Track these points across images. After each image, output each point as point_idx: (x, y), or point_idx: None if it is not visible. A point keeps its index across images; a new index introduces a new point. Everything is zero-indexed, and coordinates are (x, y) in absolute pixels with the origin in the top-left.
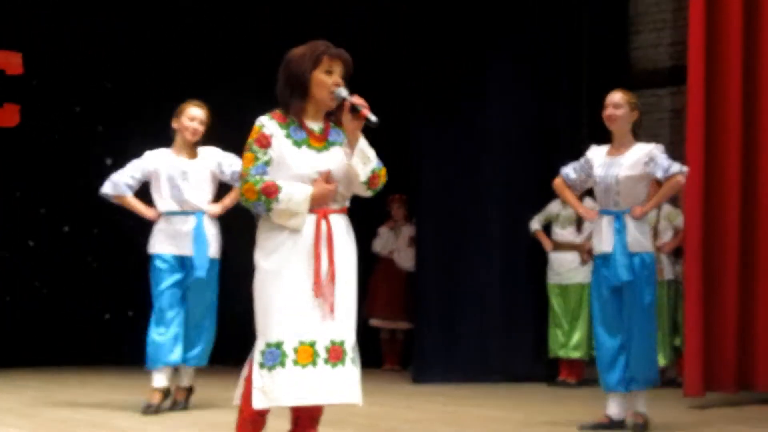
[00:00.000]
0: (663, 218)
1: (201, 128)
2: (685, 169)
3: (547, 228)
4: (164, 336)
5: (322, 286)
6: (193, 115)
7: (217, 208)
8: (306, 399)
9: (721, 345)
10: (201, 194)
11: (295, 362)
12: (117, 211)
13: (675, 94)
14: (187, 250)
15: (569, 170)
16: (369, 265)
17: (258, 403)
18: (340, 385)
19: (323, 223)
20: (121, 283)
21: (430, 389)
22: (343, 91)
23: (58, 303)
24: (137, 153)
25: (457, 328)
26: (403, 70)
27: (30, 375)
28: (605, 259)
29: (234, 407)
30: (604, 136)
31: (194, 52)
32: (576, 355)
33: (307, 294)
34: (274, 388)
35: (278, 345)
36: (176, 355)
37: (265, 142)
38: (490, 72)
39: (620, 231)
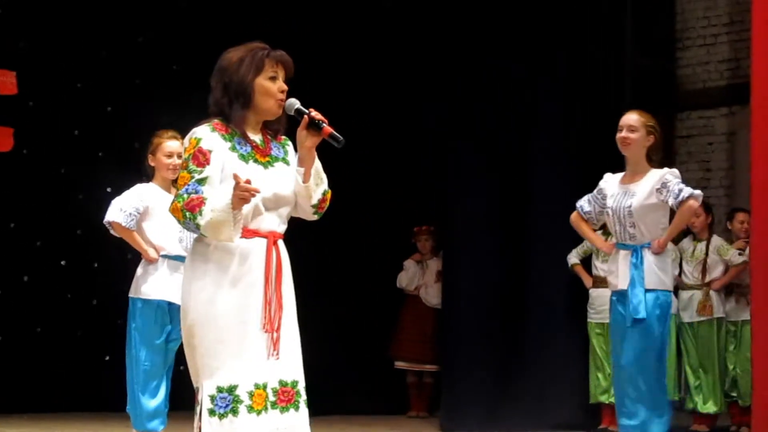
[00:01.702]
0: (713, 252)
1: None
2: (696, 192)
3: (587, 262)
4: (155, 400)
5: (271, 320)
6: (170, 150)
7: None
8: None
9: None
10: None
11: (250, 408)
12: (119, 243)
13: (727, 116)
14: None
15: (584, 202)
16: (394, 302)
17: None
18: (291, 431)
19: (273, 251)
20: (123, 322)
21: None
22: (296, 103)
23: (54, 343)
24: (140, 181)
25: (490, 372)
26: (438, 95)
27: (25, 422)
28: (621, 296)
29: None
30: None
31: (201, 75)
32: (610, 400)
33: (257, 329)
34: None
35: (231, 389)
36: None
37: (202, 159)
38: (529, 96)
39: (637, 266)
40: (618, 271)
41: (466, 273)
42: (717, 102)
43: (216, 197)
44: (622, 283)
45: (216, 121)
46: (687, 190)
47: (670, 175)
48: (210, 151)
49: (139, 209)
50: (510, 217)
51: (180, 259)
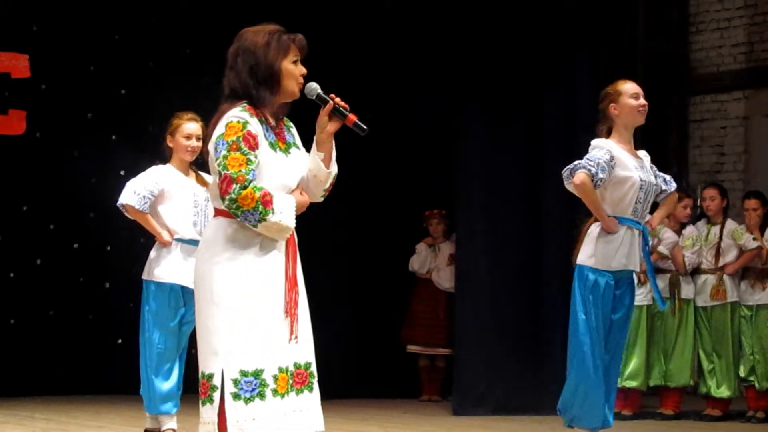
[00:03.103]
0: (726, 236)
1: (199, 145)
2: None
3: None
4: (168, 383)
5: (292, 305)
6: (189, 132)
7: None
8: (291, 430)
9: None
10: None
11: (275, 392)
12: (131, 226)
13: (741, 100)
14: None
15: (595, 167)
16: (406, 285)
17: None
18: (307, 413)
19: (293, 236)
20: (136, 305)
21: (471, 422)
22: (318, 88)
23: (67, 326)
24: (153, 164)
25: (502, 356)
26: (452, 76)
27: (38, 405)
28: (625, 278)
29: None
30: (660, 148)
31: (213, 59)
32: (632, 384)
33: (279, 313)
34: (253, 424)
35: (257, 374)
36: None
37: (253, 143)
38: (545, 79)
39: (644, 248)
40: (630, 252)
41: (479, 256)
42: (731, 86)
43: (281, 199)
44: (634, 264)
45: (246, 105)
46: (671, 179)
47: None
48: (257, 135)
49: (153, 192)
50: (523, 201)
51: (194, 243)
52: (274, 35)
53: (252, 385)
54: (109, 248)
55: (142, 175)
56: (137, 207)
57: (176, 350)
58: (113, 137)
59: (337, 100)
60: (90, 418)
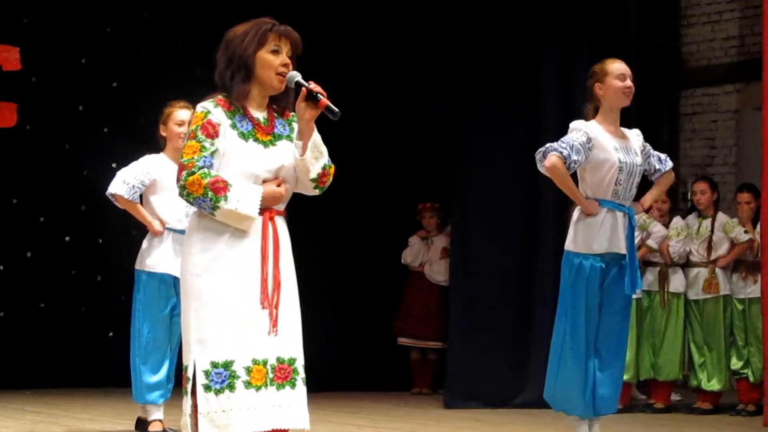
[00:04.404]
0: (718, 229)
1: None
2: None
3: None
4: (158, 374)
5: (269, 297)
6: (182, 119)
7: None
8: (259, 425)
9: None
10: None
11: (248, 384)
12: (124, 219)
13: (732, 93)
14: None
15: (568, 149)
16: (398, 278)
17: (204, 430)
18: (287, 409)
19: (270, 226)
20: (127, 299)
21: (463, 415)
22: (297, 76)
23: (58, 319)
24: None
25: (496, 349)
26: (448, 66)
27: (28, 398)
28: (612, 261)
29: None
30: (651, 141)
31: (208, 49)
32: (624, 377)
33: (255, 306)
34: (223, 416)
35: (226, 365)
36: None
37: (212, 131)
38: (541, 68)
39: (630, 231)
40: (613, 234)
41: (474, 248)
42: (722, 79)
43: (242, 189)
44: (617, 247)
45: (220, 97)
46: (667, 157)
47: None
48: (219, 125)
49: (144, 182)
50: (519, 193)
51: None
52: (255, 26)
53: (222, 377)
54: (100, 241)
55: (133, 165)
56: (126, 196)
57: (166, 341)
58: (105, 130)
59: (312, 86)
60: (80, 410)
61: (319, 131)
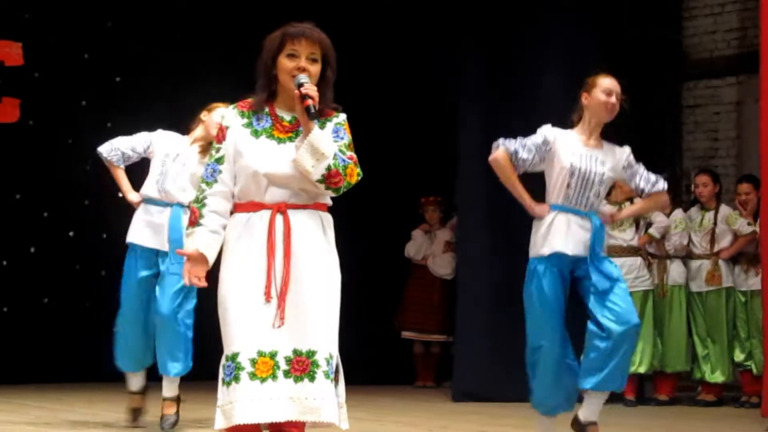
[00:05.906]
0: (721, 221)
1: None
2: (666, 185)
3: None
4: (130, 342)
5: (272, 289)
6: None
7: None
8: (266, 416)
9: None
10: (184, 186)
11: (252, 375)
12: (127, 214)
13: (734, 85)
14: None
15: (518, 147)
16: (401, 272)
17: (217, 423)
18: (308, 402)
19: (278, 219)
20: None
21: (470, 408)
22: (302, 78)
23: (62, 315)
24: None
25: (502, 341)
26: (450, 59)
27: (32, 393)
28: (571, 263)
29: None
30: (653, 134)
31: (211, 44)
32: (639, 370)
33: (261, 298)
34: (231, 407)
35: (233, 357)
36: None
37: (221, 136)
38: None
39: (597, 233)
40: (566, 236)
41: (480, 241)
42: (724, 71)
43: (196, 233)
44: (575, 249)
45: (248, 99)
46: (662, 181)
47: (632, 156)
48: (227, 128)
49: (136, 150)
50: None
51: (153, 202)
52: (279, 31)
53: (230, 369)
54: (105, 236)
55: (138, 134)
56: (105, 155)
57: (140, 310)
58: (108, 124)
59: (304, 88)
60: (84, 405)
61: None
